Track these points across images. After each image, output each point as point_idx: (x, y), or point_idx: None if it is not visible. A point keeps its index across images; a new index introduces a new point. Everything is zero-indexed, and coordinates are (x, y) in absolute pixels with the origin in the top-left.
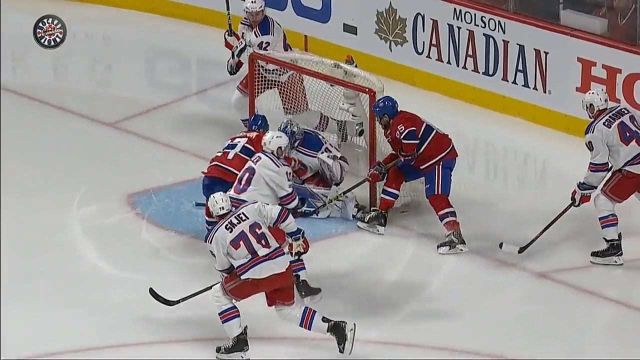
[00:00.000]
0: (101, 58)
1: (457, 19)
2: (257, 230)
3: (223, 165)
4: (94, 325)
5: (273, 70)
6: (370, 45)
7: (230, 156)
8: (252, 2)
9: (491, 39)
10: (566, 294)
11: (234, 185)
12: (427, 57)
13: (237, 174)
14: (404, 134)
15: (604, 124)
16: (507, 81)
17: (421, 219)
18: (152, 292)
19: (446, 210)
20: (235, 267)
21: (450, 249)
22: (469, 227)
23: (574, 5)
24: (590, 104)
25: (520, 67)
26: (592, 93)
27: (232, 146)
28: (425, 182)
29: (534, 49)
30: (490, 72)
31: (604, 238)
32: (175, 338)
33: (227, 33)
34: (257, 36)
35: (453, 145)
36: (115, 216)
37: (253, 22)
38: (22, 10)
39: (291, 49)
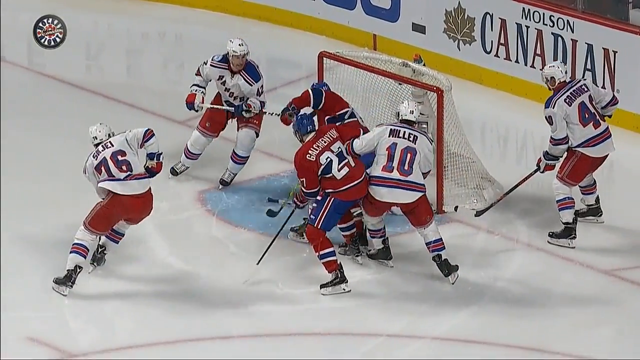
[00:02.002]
0: (173, 57)
1: (526, 18)
2: (119, 156)
3: (363, 178)
4: (164, 319)
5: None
6: (439, 44)
7: (352, 164)
8: (239, 44)
9: (560, 38)
10: (636, 292)
11: (393, 166)
12: (495, 56)
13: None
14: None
15: (565, 100)
16: None
17: (490, 217)
18: None
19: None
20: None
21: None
22: (537, 225)
23: None
24: (552, 77)
25: (588, 66)
26: (553, 66)
27: (342, 156)
28: None
29: (603, 48)
30: None
31: (560, 220)
32: (244, 333)
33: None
34: (250, 84)
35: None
36: (186, 213)
37: (237, 65)
38: (96, 10)
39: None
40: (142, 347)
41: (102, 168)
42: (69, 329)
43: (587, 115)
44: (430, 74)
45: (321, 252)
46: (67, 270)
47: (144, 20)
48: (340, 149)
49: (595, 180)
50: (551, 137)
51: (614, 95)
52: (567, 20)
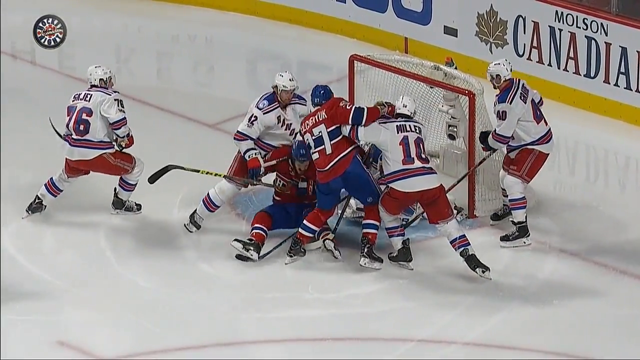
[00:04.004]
0: (203, 60)
1: (559, 21)
2: (84, 114)
3: (336, 160)
4: (193, 323)
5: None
6: (471, 47)
7: (328, 150)
8: (289, 79)
9: (593, 41)
10: None
11: (413, 157)
12: (527, 59)
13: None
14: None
15: (520, 97)
16: (609, 84)
17: None
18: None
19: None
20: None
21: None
22: (569, 230)
23: None
24: (497, 75)
25: (622, 70)
26: (499, 64)
27: (319, 141)
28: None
29: (637, 51)
30: (592, 75)
31: (512, 221)
32: (272, 338)
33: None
34: (305, 104)
35: None
36: (216, 216)
37: (286, 99)
38: (127, 13)
39: None
40: (171, 352)
41: (70, 113)
42: (99, 333)
43: (538, 113)
44: (461, 77)
45: (304, 223)
46: (35, 196)
47: (174, 23)
48: (320, 134)
49: None
50: (495, 133)
51: (541, 97)
52: (601, 23)
